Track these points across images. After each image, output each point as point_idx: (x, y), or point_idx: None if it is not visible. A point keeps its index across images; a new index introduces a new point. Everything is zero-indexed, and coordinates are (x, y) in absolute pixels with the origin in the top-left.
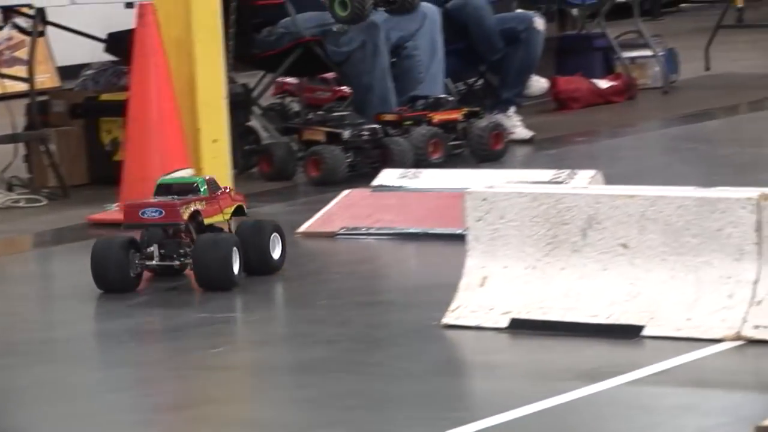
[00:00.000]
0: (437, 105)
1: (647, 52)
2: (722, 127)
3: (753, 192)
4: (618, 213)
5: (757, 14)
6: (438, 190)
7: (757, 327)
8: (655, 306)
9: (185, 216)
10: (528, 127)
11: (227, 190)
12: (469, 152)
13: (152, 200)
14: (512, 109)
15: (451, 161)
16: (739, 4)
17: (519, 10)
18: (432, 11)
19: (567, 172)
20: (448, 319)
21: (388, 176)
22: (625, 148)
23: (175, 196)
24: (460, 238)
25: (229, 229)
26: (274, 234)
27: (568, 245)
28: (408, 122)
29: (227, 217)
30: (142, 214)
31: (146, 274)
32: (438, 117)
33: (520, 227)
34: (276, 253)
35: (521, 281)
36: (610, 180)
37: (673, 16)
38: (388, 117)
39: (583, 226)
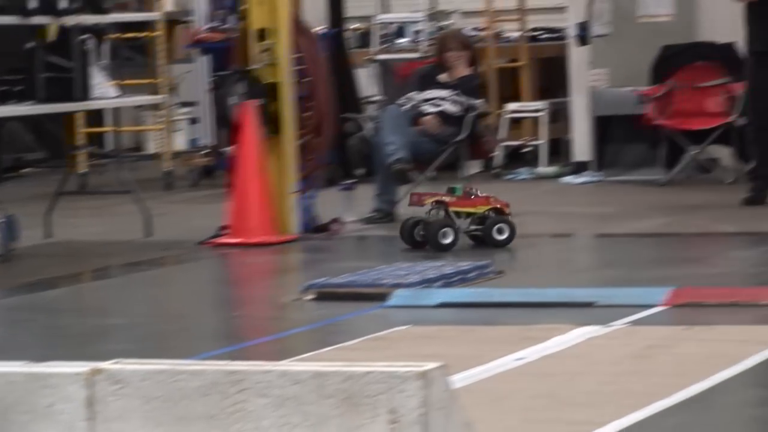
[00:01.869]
0: None
1: None
2: (64, 296)
3: (84, 367)
4: None
5: (100, 180)
6: None
7: None
8: None
9: (426, 202)
10: None
11: (487, 197)
12: None
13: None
14: None
15: None
16: (81, 170)
17: None
18: None
19: None
20: None
21: None
22: None
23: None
24: None
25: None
26: (499, 224)
27: None
28: None
29: (479, 211)
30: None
31: None
32: None
33: None
34: (502, 236)
35: None
36: None
37: (15, 181)
38: None
39: None
